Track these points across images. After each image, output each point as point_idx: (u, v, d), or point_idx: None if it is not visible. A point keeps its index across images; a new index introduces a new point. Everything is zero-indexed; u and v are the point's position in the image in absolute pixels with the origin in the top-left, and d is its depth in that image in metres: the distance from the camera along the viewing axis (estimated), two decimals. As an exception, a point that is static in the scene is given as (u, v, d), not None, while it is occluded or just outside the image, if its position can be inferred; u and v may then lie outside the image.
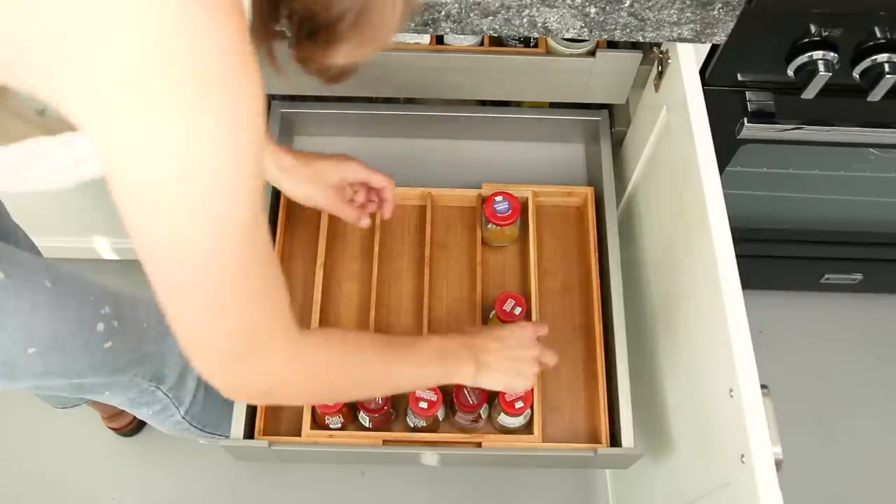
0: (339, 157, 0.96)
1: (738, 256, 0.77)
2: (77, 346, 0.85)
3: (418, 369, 0.80)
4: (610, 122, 1.13)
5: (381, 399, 0.91)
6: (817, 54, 0.90)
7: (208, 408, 1.13)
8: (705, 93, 0.86)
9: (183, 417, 1.10)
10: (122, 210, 0.47)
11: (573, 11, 0.83)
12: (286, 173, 0.94)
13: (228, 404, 1.17)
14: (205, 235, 0.48)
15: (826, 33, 0.88)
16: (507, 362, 0.86)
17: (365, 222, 0.99)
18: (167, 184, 0.45)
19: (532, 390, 0.93)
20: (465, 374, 0.84)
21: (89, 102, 0.43)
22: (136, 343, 0.93)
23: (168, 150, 0.44)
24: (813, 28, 0.88)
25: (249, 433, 0.94)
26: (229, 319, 0.54)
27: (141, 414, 1.07)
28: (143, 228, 0.48)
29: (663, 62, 0.94)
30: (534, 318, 1.00)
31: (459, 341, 0.84)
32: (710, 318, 0.78)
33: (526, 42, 1.02)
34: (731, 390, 0.73)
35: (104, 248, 1.46)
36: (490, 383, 0.86)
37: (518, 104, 1.18)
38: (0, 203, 0.97)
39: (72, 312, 0.83)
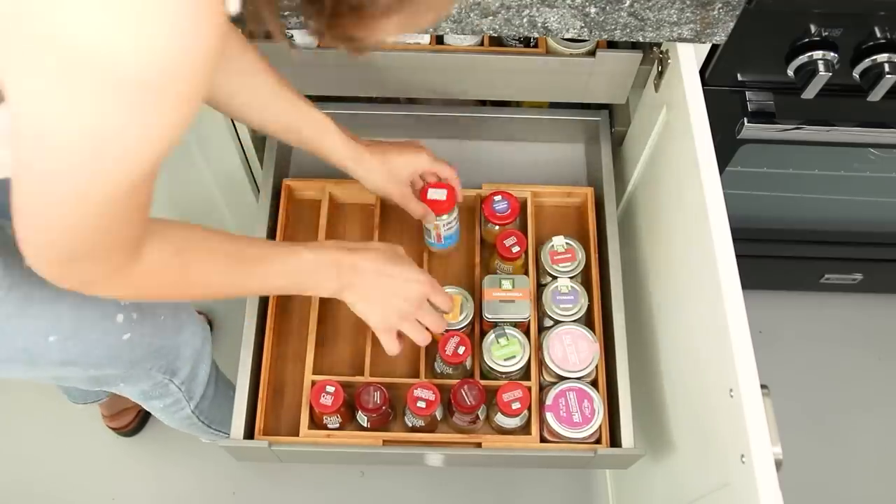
0: (410, 148, 0.96)
1: (738, 256, 0.77)
2: (96, 336, 0.86)
3: (263, 283, 0.79)
4: (610, 122, 1.13)
5: (380, 398, 0.91)
6: (817, 54, 0.90)
7: (217, 404, 1.14)
8: (705, 93, 0.86)
9: (192, 412, 1.11)
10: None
11: (573, 11, 0.83)
12: (359, 165, 0.94)
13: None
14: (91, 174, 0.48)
15: (826, 33, 0.88)
16: (377, 292, 0.83)
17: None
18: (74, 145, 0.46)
19: (529, 391, 0.93)
20: (324, 290, 0.82)
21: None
22: (153, 335, 0.94)
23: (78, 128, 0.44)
24: (813, 28, 0.88)
25: (249, 433, 0.94)
26: (81, 226, 0.54)
27: (152, 407, 1.08)
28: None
29: (663, 62, 0.94)
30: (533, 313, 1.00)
31: (330, 257, 0.81)
32: (710, 318, 0.78)
33: (526, 42, 1.02)
34: (731, 390, 0.73)
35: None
36: (352, 304, 0.84)
37: (518, 104, 1.18)
38: None
39: (94, 302, 0.84)
